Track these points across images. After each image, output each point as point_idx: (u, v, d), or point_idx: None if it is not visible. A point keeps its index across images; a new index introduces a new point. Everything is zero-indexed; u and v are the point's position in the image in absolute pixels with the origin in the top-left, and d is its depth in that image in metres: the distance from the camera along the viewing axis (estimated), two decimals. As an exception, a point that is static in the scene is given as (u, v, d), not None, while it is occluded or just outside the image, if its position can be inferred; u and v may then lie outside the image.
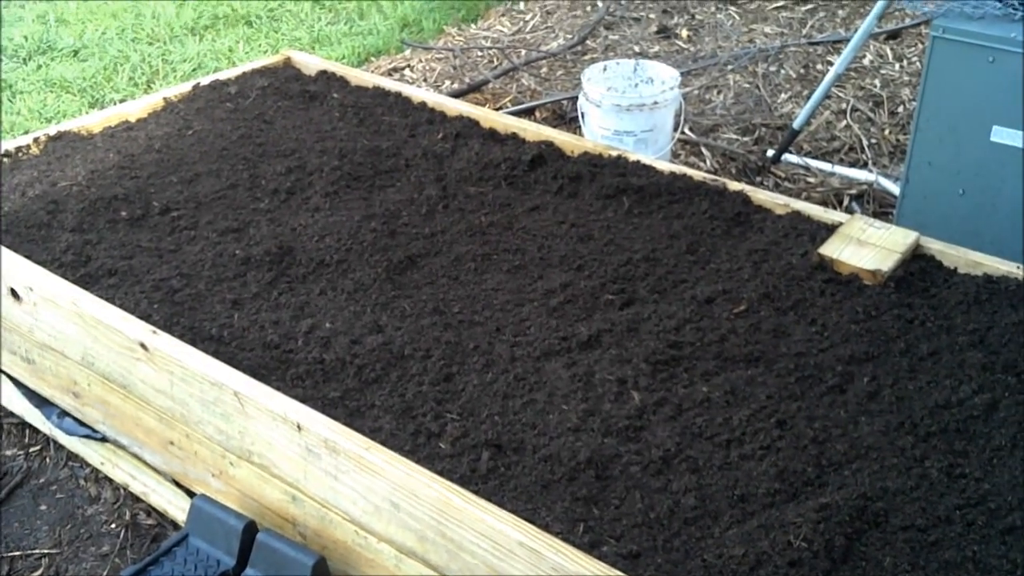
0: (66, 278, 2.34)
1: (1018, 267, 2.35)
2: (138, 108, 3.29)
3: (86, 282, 2.38)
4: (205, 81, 3.46)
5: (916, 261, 2.42)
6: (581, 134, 3.69)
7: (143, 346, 2.11)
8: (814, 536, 1.68)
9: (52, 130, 3.11)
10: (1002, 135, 2.74)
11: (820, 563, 1.65)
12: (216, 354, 2.10)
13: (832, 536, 1.68)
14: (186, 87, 3.42)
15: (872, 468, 1.85)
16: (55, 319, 2.28)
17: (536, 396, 2.06)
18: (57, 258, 2.47)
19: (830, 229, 2.52)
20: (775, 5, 5.32)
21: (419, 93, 3.37)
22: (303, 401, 1.96)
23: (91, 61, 4.92)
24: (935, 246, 2.45)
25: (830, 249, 2.42)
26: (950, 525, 1.73)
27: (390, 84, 3.44)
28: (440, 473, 1.80)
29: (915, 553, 1.68)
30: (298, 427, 1.89)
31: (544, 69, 4.72)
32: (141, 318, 2.20)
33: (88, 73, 4.77)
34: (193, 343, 2.13)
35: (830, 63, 4.50)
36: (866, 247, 2.42)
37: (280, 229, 2.61)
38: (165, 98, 3.35)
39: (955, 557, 1.67)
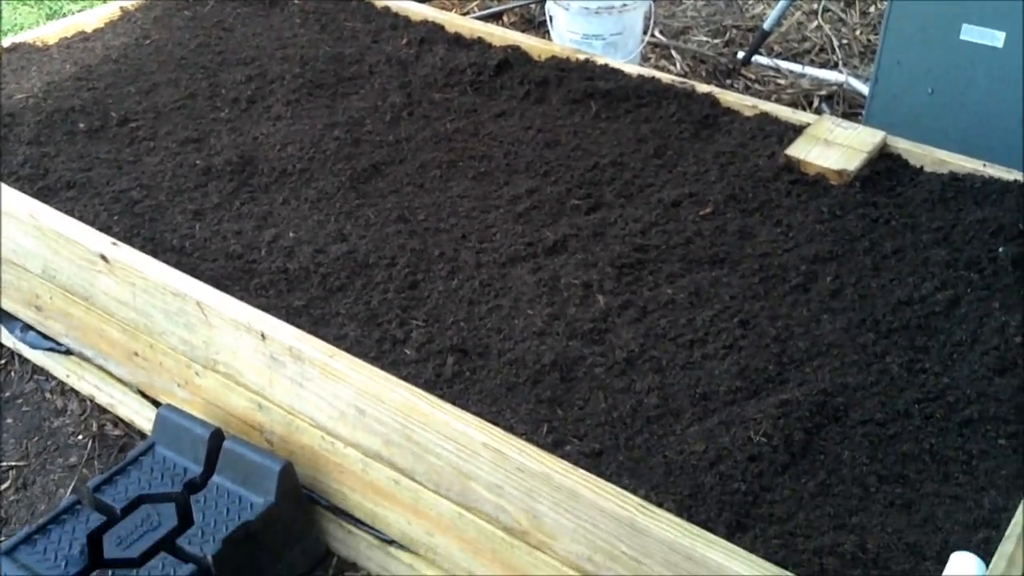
0: (24, 191, 2.30)
1: (984, 165, 2.35)
2: (95, 18, 3.21)
3: (44, 195, 2.34)
4: (162, -11, 3.37)
5: (883, 160, 2.41)
6: (550, 38, 3.63)
7: (104, 258, 2.08)
8: (774, 431, 1.69)
9: (6, 42, 3.04)
10: (971, 33, 2.71)
11: (779, 457, 1.67)
12: (178, 265, 2.08)
13: (791, 431, 1.70)
14: (143, -5, 3.33)
15: (833, 364, 1.86)
16: (14, 233, 2.25)
17: (501, 301, 2.05)
18: (14, 171, 2.43)
19: (798, 130, 2.51)
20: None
21: (382, -2, 3.30)
22: (267, 310, 1.95)
23: (47, -29, 4.78)
24: (902, 145, 2.44)
25: (797, 150, 2.40)
26: (908, 419, 1.75)
27: (353, -11, 3.36)
28: (405, 378, 1.80)
29: (873, 446, 1.70)
30: (262, 336, 1.89)
31: (512, -27, 4.62)
32: (101, 230, 2.17)
33: (45, -16, 4.64)
34: (154, 254, 2.11)
35: (803, -37, 4.42)
36: (833, 147, 2.41)
37: (241, 139, 2.57)
38: (122, 7, 3.27)
39: (913, 450, 1.70)
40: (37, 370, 2.49)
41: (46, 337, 2.39)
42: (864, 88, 3.37)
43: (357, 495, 1.93)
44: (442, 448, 1.71)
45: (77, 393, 2.42)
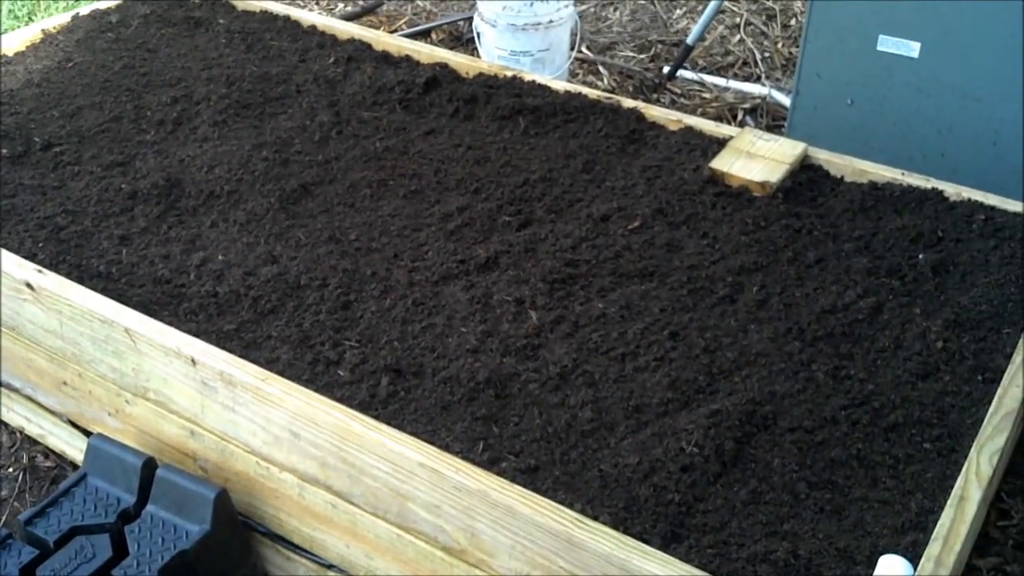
0: (-56, 220, 2.26)
1: (902, 174, 2.41)
2: (15, 42, 3.15)
3: (-34, 223, 2.30)
4: (84, 11, 3.32)
5: (804, 171, 2.47)
6: (478, 55, 3.65)
7: (29, 286, 2.05)
8: (705, 441, 1.72)
9: (-78, 66, 2.97)
10: (887, 44, 2.78)
11: (711, 467, 1.70)
12: (105, 291, 2.06)
13: (722, 440, 1.73)
14: (64, 18, 3.28)
15: (761, 374, 1.90)
16: (-66, 263, 2.21)
17: (435, 320, 2.06)
18: (-67, 199, 2.38)
19: (722, 143, 2.55)
20: (670, -80, 5.29)
21: (309, 16, 3.29)
22: (197, 335, 1.94)
23: (-35, -7, 4.69)
24: (822, 156, 2.50)
25: (721, 163, 2.45)
26: (836, 425, 1.80)
27: (278, 7, 3.35)
28: (340, 400, 1.81)
29: (802, 453, 1.74)
30: (192, 361, 1.87)
31: (440, -10, 4.64)
32: (26, 257, 2.14)
33: (-38, 6, 4.55)
34: (81, 281, 2.08)
35: (724, -23, 4.50)
36: (755, 159, 2.46)
37: (168, 161, 2.54)
38: (43, 30, 3.22)
39: (840, 455, 1.74)
40: (-38, 402, 2.44)
41: (-30, 368, 2.34)
42: (786, 100, 3.44)
43: (294, 520, 1.92)
44: (378, 469, 1.71)
45: (6, 425, 2.37)
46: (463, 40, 4.12)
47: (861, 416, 1.82)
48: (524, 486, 1.62)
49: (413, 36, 4.07)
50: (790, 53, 3.91)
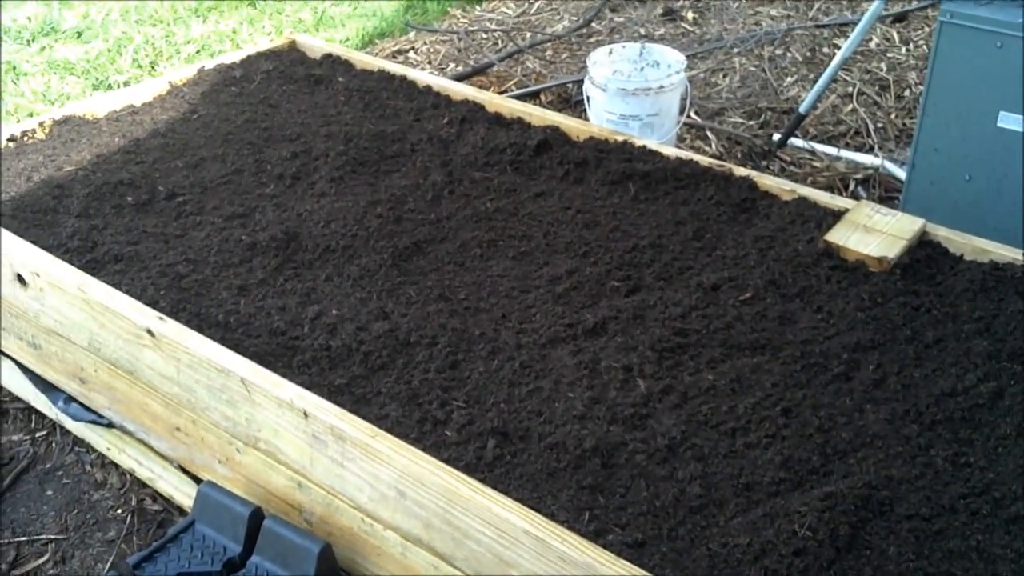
0: (72, 263, 2.34)
1: (1023, 254, 2.35)
2: (143, 93, 3.28)
3: (92, 267, 2.38)
4: (210, 65, 3.45)
5: (922, 248, 2.42)
6: (586, 118, 3.68)
7: (150, 332, 2.11)
8: (819, 525, 1.68)
9: (57, 114, 3.11)
10: (1008, 120, 2.73)
11: (825, 552, 1.66)
12: (223, 340, 2.11)
13: (837, 525, 1.69)
14: (191, 71, 3.41)
15: (877, 456, 1.85)
16: (61, 305, 2.29)
17: (542, 384, 2.06)
18: (63, 243, 2.47)
19: (836, 215, 2.52)
20: (781, -13, 5.29)
21: (424, 77, 3.36)
22: (309, 388, 1.97)
23: (95, 42, 4.91)
24: (941, 232, 2.44)
25: (836, 236, 2.42)
26: (954, 514, 1.74)
27: (395, 67, 3.43)
28: (446, 461, 1.81)
29: (919, 542, 1.69)
30: (304, 414, 1.90)
31: (549, 52, 4.71)
32: (148, 304, 2.20)
33: (92, 55, 4.76)
34: (200, 329, 2.14)
35: (837, 46, 4.48)
36: (872, 234, 2.41)
37: (286, 214, 2.61)
38: (170, 82, 3.35)
39: (959, 546, 1.68)
40: (78, 442, 2.51)
41: (88, 409, 2.41)
42: (900, 172, 3.39)
43: (395, 578, 1.93)
44: (483, 534, 1.71)
45: (117, 467, 2.43)
46: (571, 102, 4.16)
47: (981, 506, 1.76)
48: (630, 561, 1.60)
49: (522, 97, 4.13)
50: (904, 124, 3.85)
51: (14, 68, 4.59)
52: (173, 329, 2.10)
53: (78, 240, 2.48)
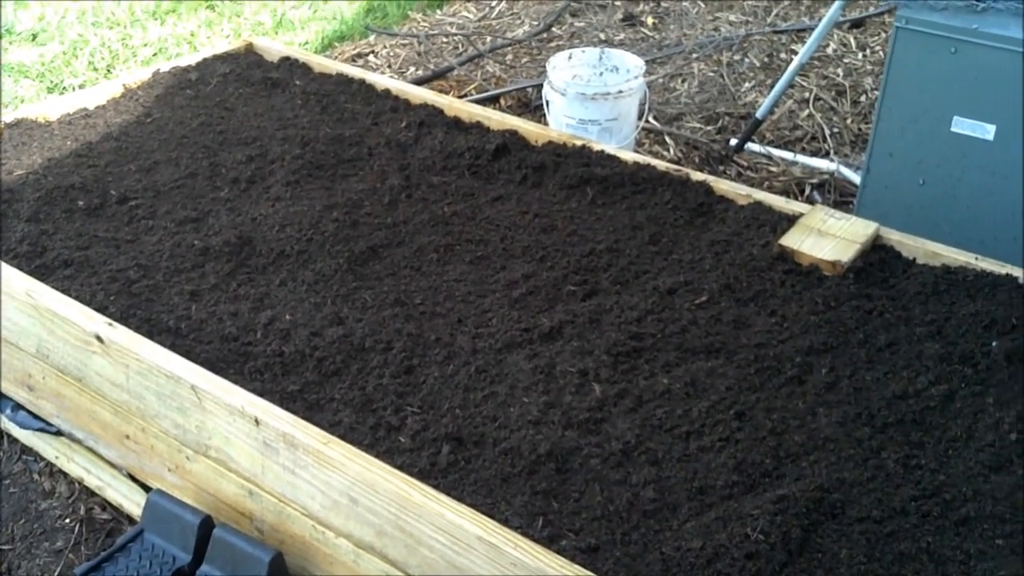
0: (21, 269, 2.31)
1: (976, 258, 2.37)
2: (97, 96, 3.24)
3: (41, 273, 2.34)
4: (165, 68, 3.41)
5: (876, 252, 2.44)
6: (546, 123, 3.68)
7: (99, 338, 2.08)
8: (771, 528, 1.68)
9: (8, 117, 3.06)
10: (963, 126, 2.75)
11: (777, 555, 1.66)
12: (173, 347, 2.08)
13: (789, 528, 1.69)
14: (146, 74, 3.37)
15: (829, 459, 1.86)
16: (9, 311, 2.25)
17: (497, 389, 2.05)
18: (12, 248, 2.43)
19: (791, 220, 2.53)
20: (741, -7, 5.33)
21: (383, 80, 3.34)
22: (261, 395, 1.95)
23: (50, 45, 4.84)
24: (894, 237, 2.46)
25: (791, 240, 2.43)
26: (905, 517, 1.75)
27: (353, 71, 3.41)
28: (400, 467, 1.79)
29: (871, 545, 1.69)
30: (256, 421, 1.88)
31: (509, 56, 4.70)
32: (97, 310, 2.17)
33: (46, 58, 4.69)
34: (150, 335, 2.11)
35: (794, 52, 4.51)
36: (826, 238, 2.43)
37: (240, 219, 2.58)
38: (124, 85, 3.31)
39: (910, 548, 1.69)
40: (26, 450, 2.47)
41: (37, 417, 2.37)
42: (855, 176, 3.41)
43: (348, 586, 1.91)
44: (436, 541, 1.69)
45: (66, 475, 2.39)
46: (531, 107, 4.16)
47: (932, 508, 1.77)
48: (584, 566, 1.59)
49: (482, 102, 4.12)
50: (859, 129, 3.88)
51: (-34, 71, 4.52)
52: (122, 335, 2.07)
53: (27, 245, 2.44)
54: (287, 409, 1.91)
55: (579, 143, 2.91)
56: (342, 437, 1.85)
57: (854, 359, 2.11)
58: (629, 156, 2.85)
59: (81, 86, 4.40)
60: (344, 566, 1.87)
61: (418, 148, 2.93)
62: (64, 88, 4.42)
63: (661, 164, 2.80)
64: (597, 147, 2.90)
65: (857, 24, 4.83)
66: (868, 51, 4.53)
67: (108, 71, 4.62)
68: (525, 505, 1.77)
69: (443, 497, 1.70)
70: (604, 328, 2.21)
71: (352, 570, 1.86)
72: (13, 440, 2.49)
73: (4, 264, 2.29)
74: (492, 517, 1.68)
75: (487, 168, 2.85)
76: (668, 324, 2.22)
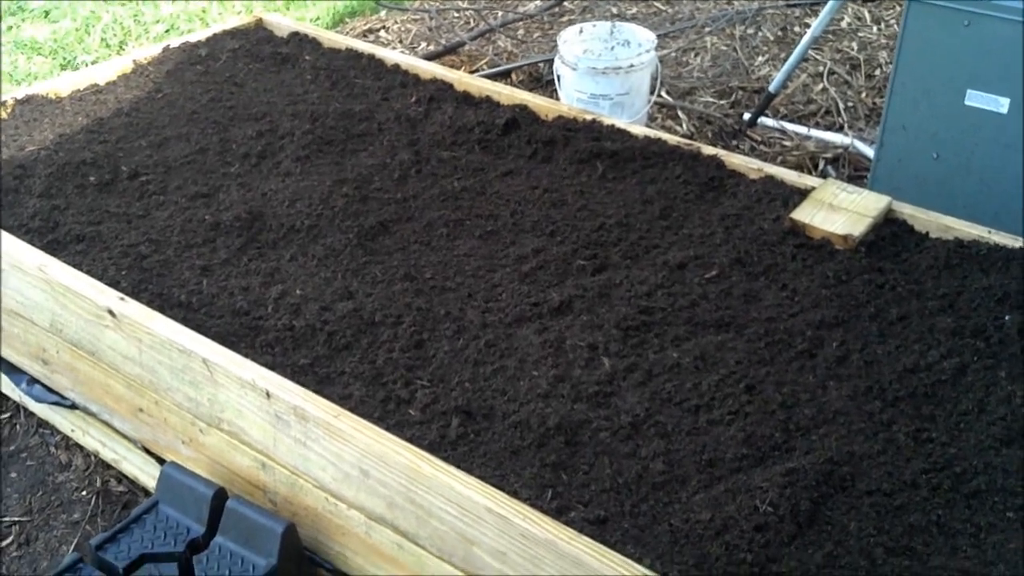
0: (33, 244, 2.32)
1: (989, 232, 2.36)
2: (108, 71, 3.24)
3: (54, 248, 2.35)
4: (175, 43, 3.41)
5: (888, 226, 2.43)
6: (557, 97, 3.66)
7: (111, 313, 2.09)
8: (780, 500, 1.69)
9: (20, 94, 3.07)
10: (976, 99, 2.73)
11: (786, 527, 1.66)
12: (185, 321, 2.09)
13: (798, 500, 1.69)
14: (156, 50, 3.37)
15: (839, 433, 1.86)
16: (23, 285, 2.26)
17: (507, 362, 2.05)
18: (24, 224, 2.44)
19: (803, 194, 2.52)
20: (754, -34, 5.28)
21: (392, 55, 3.33)
22: (272, 368, 1.96)
23: (63, 22, 4.85)
24: (907, 210, 2.45)
25: (802, 214, 2.42)
26: (915, 489, 1.75)
27: (363, 46, 3.40)
28: (410, 440, 1.80)
29: (880, 517, 1.69)
30: (267, 394, 1.89)
31: (521, 31, 4.68)
32: (109, 285, 2.18)
33: (59, 34, 4.70)
34: (162, 310, 2.12)
35: (808, 25, 4.47)
36: (838, 212, 2.42)
37: (250, 194, 2.58)
38: (135, 61, 3.31)
39: (920, 521, 1.69)
40: (42, 424, 2.49)
41: (52, 391, 2.39)
42: (869, 151, 3.39)
43: (360, 558, 1.92)
44: (446, 512, 1.70)
45: (82, 448, 2.41)
46: (543, 82, 4.14)
47: (942, 481, 1.77)
48: (593, 537, 1.60)
49: (493, 76, 4.11)
50: (874, 103, 3.86)
51: (-22, 48, 4.53)
52: (135, 309, 2.08)
53: (39, 220, 2.45)
54: (298, 383, 1.92)
55: (589, 117, 2.90)
56: (352, 410, 1.86)
57: (865, 333, 2.10)
58: (640, 130, 2.84)
59: (94, 62, 4.41)
60: (356, 537, 1.89)
61: (428, 123, 2.93)
62: (77, 65, 4.43)
63: (672, 138, 2.79)
64: (607, 121, 2.89)
65: (871, -3, 4.79)
66: (883, 24, 4.50)
67: (121, 47, 4.62)
68: (534, 477, 1.78)
69: (453, 469, 1.71)
70: (614, 302, 2.21)
71: (364, 541, 1.88)
72: (29, 414, 2.52)
73: (17, 239, 2.30)
74: (501, 489, 1.69)
75: (497, 143, 2.84)
76: (678, 298, 2.21)
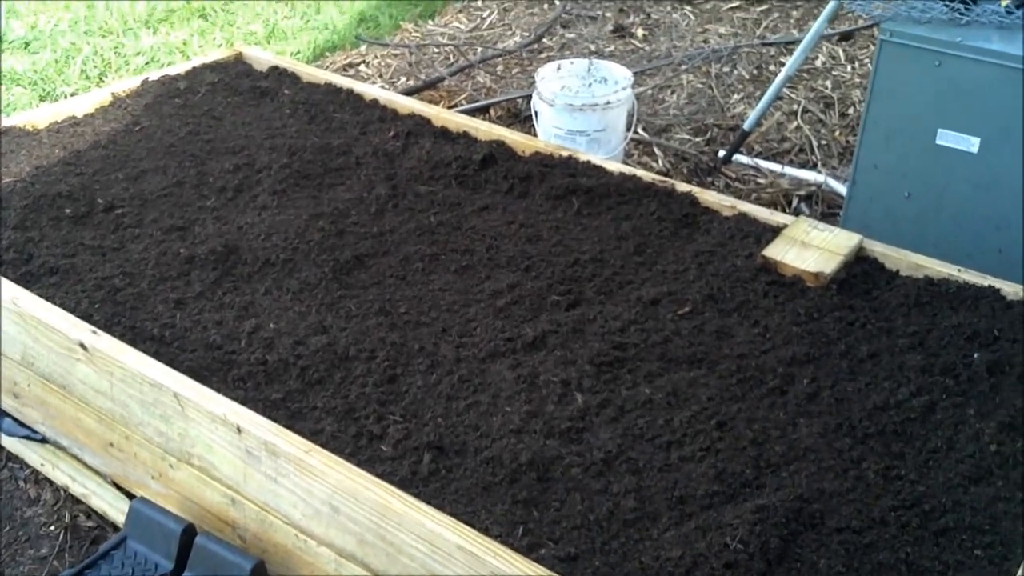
0: (6, 276, 2.31)
1: (959, 270, 2.38)
2: (86, 104, 3.25)
3: (27, 280, 2.35)
4: (154, 76, 3.42)
5: (859, 263, 2.45)
6: (535, 133, 3.69)
7: (83, 346, 2.08)
8: (750, 538, 1.69)
9: (-3, 125, 3.07)
10: (947, 138, 2.77)
11: (756, 564, 1.66)
12: (157, 355, 2.08)
13: (768, 538, 1.70)
14: (135, 82, 3.38)
15: (809, 470, 1.86)
16: (-6, 318, 2.25)
17: (480, 398, 2.05)
18: (-3, 256, 2.44)
19: (775, 231, 2.54)
20: (730, 5, 5.35)
21: (371, 90, 3.35)
22: (244, 403, 1.95)
23: (43, 53, 4.85)
24: (878, 248, 2.48)
25: (774, 251, 2.44)
26: (885, 527, 1.75)
27: (342, 81, 3.42)
28: (381, 476, 1.80)
29: (850, 555, 1.70)
30: (238, 429, 1.88)
31: (500, 67, 4.72)
32: (82, 318, 2.18)
33: (39, 65, 4.70)
34: (134, 343, 2.11)
35: (783, 64, 4.53)
36: (810, 249, 2.44)
37: (226, 227, 2.59)
38: (113, 93, 3.31)
39: (889, 559, 1.70)
40: (12, 457, 2.47)
41: (23, 424, 2.37)
42: (842, 188, 3.43)
43: (329, 595, 1.91)
44: (416, 549, 1.70)
45: (51, 483, 2.39)
46: (521, 117, 4.17)
47: (911, 519, 1.78)
48: (562, 575, 1.60)
49: (472, 112, 4.13)
50: (847, 141, 3.90)
51: (-43, 78, 4.52)
52: (106, 343, 2.07)
53: (13, 252, 2.45)
54: (270, 417, 1.91)
55: (566, 154, 2.93)
56: (324, 445, 1.86)
57: (836, 370, 2.12)
58: (615, 167, 2.87)
59: (74, 94, 4.41)
60: (326, 575, 1.87)
61: (405, 158, 2.94)
62: (56, 96, 4.43)
63: (647, 175, 2.81)
64: (583, 158, 2.91)
65: (846, 37, 4.85)
66: (857, 63, 4.56)
67: (100, 79, 4.62)
68: (505, 514, 1.78)
69: (423, 506, 1.71)
70: (587, 338, 2.21)
71: (333, 579, 1.87)
72: (-1, 447, 2.50)
73: (-11, 271, 2.29)
74: (472, 526, 1.69)
75: (474, 178, 2.86)
76: (651, 334, 2.22)
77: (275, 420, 1.91)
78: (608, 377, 2.11)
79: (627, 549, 1.72)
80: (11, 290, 2.22)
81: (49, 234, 2.55)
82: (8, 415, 2.40)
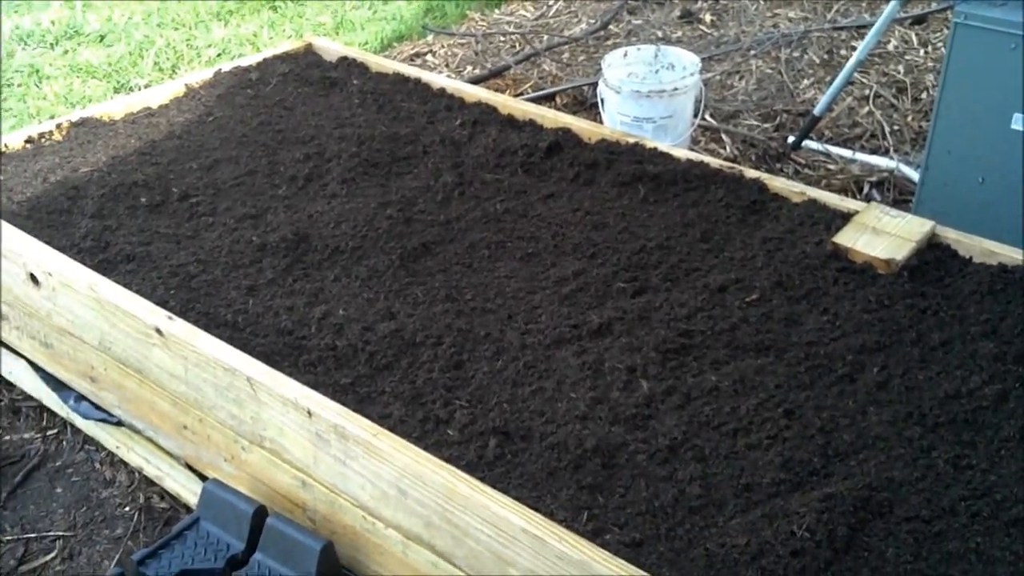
0: (85, 264, 2.37)
1: (1034, 257, 2.33)
2: (160, 95, 3.32)
3: (104, 268, 2.41)
4: (226, 67, 3.48)
5: (931, 250, 2.41)
6: (601, 120, 3.68)
7: (159, 331, 2.13)
8: (817, 526, 1.68)
9: (75, 116, 3.15)
10: (1022, 123, 2.70)
11: (823, 553, 1.65)
12: (230, 340, 2.13)
13: (835, 526, 1.68)
14: (207, 74, 3.44)
15: (878, 458, 1.84)
16: (73, 304, 2.32)
17: (545, 384, 2.06)
18: (76, 244, 2.50)
19: (845, 217, 2.51)
20: (801, -11, 5.28)
21: (438, 79, 3.37)
22: (314, 387, 1.98)
23: (117, 46, 4.96)
24: (951, 235, 2.43)
25: (844, 238, 2.41)
26: (954, 516, 1.73)
27: (410, 70, 3.45)
28: (447, 460, 1.82)
29: (918, 544, 1.68)
30: (308, 413, 1.91)
31: (566, 54, 4.71)
32: (158, 304, 2.23)
33: (114, 58, 4.81)
34: (208, 329, 2.16)
35: (854, 48, 4.45)
36: (881, 236, 2.41)
37: (297, 216, 2.63)
38: (187, 84, 3.38)
39: (958, 548, 1.67)
40: (88, 440, 2.54)
41: (99, 408, 2.44)
42: (915, 175, 3.37)
43: (397, 576, 1.94)
44: (482, 532, 1.71)
45: (126, 464, 2.45)
46: (586, 104, 4.16)
47: (981, 508, 1.75)
48: (627, 560, 1.60)
49: (538, 100, 4.14)
50: (920, 127, 3.83)
51: (37, 71, 4.64)
52: (181, 328, 2.12)
53: (91, 240, 2.51)
54: (339, 401, 1.94)
55: (632, 140, 2.92)
56: (391, 429, 1.88)
57: (906, 358, 2.09)
58: (682, 153, 2.85)
59: (147, 86, 4.50)
60: (393, 556, 1.90)
61: (472, 146, 2.96)
62: (131, 88, 4.53)
63: (714, 161, 2.80)
64: (650, 144, 2.90)
65: (919, 20, 4.76)
66: (930, 47, 4.47)
67: (173, 71, 4.72)
68: (570, 499, 1.79)
69: (489, 490, 1.73)
70: (653, 325, 2.21)
71: (401, 561, 1.89)
72: (76, 430, 2.57)
73: (68, 259, 2.35)
74: (537, 510, 1.70)
75: (540, 166, 2.86)
76: (718, 321, 2.21)
77: (344, 404, 1.93)
78: (674, 364, 2.11)
79: (692, 536, 1.71)
80: (89, 277, 2.28)
81: (126, 222, 2.61)
82: (85, 398, 2.47)
